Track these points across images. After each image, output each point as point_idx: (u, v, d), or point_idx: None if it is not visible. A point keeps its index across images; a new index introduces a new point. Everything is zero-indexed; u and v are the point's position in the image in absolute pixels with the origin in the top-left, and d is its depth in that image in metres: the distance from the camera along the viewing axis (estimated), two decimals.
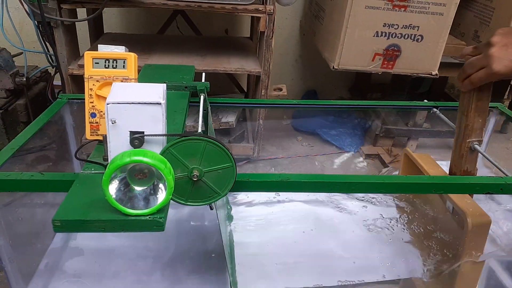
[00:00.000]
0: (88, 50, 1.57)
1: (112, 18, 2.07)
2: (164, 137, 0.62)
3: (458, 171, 0.86)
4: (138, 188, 0.54)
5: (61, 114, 1.05)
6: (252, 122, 1.74)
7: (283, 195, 1.16)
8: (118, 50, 0.74)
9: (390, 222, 1.14)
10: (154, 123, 0.60)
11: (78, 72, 1.39)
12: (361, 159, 1.78)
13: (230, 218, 1.10)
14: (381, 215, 1.16)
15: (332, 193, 1.21)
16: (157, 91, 0.63)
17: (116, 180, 0.53)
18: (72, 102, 1.06)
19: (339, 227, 1.12)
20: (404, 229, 1.11)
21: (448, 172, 0.92)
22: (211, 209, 1.10)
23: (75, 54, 1.50)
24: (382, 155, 1.75)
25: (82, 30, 1.77)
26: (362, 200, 1.21)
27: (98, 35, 1.80)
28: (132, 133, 0.60)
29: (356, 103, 1.11)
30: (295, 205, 1.15)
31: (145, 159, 0.51)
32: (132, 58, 0.72)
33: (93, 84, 0.71)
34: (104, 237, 1.05)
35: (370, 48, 1.46)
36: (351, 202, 1.19)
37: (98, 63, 0.71)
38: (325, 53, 1.63)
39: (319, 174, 0.69)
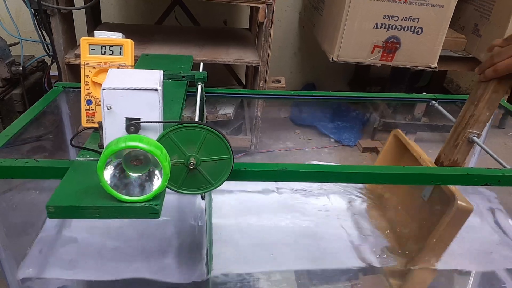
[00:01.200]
0: None
1: (110, 7, 2.05)
2: (161, 124, 0.61)
3: (447, 159, 0.85)
4: (133, 175, 0.54)
5: (57, 103, 1.04)
6: (250, 115, 1.73)
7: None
8: (114, 37, 0.73)
9: (357, 212, 1.15)
10: (151, 109, 0.59)
11: (75, 61, 1.37)
12: (358, 152, 1.78)
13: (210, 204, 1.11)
14: (350, 204, 1.17)
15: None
16: (153, 77, 0.62)
17: (111, 166, 0.52)
18: (69, 91, 1.05)
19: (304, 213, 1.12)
20: (370, 220, 1.12)
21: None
22: (202, 198, 1.10)
23: (72, 43, 1.48)
24: (379, 148, 1.75)
25: (80, 19, 1.76)
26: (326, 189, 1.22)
27: (95, 25, 1.78)
28: (128, 119, 0.59)
29: (355, 95, 1.10)
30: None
31: (141, 145, 0.50)
32: (128, 44, 0.72)
33: (89, 71, 0.71)
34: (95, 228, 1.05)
35: (370, 40, 1.45)
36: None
37: (94, 49, 0.70)
38: (324, 45, 1.62)
39: (317, 164, 0.68)
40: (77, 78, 1.55)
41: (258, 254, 1.00)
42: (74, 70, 1.47)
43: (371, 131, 1.88)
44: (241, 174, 0.66)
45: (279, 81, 1.50)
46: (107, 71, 0.71)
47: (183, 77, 0.97)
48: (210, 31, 1.81)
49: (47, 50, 1.53)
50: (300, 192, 1.20)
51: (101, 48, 0.71)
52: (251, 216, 1.10)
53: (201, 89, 0.93)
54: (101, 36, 0.72)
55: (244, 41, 1.67)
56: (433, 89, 2.17)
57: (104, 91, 0.56)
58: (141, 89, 0.57)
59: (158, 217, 0.55)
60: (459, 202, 0.79)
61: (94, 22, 1.79)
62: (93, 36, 0.71)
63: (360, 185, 1.25)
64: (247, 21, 2.00)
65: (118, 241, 1.00)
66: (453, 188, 0.84)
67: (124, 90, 0.57)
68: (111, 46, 0.71)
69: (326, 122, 1.89)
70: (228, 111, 1.65)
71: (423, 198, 0.96)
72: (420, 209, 0.99)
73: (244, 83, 2.12)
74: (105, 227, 1.03)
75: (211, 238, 1.02)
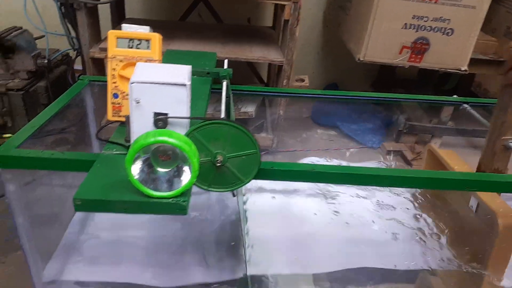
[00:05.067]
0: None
1: (133, 3, 2.06)
2: (188, 120, 0.60)
3: (487, 169, 0.83)
4: (161, 170, 0.53)
5: (82, 96, 1.05)
6: (272, 113, 1.71)
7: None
8: (142, 30, 0.72)
9: (405, 220, 1.12)
10: (179, 105, 0.58)
11: (100, 55, 1.38)
12: (382, 155, 1.74)
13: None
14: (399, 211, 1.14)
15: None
16: (182, 72, 0.61)
17: (140, 161, 0.51)
18: (93, 84, 1.05)
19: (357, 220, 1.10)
20: (416, 228, 1.09)
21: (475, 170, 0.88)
22: (234, 195, 1.09)
23: (97, 38, 1.49)
24: (405, 151, 1.71)
25: (104, 14, 1.76)
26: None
27: (120, 20, 1.79)
28: (156, 114, 0.58)
29: (386, 96, 1.08)
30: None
31: (170, 140, 0.49)
32: (156, 38, 0.71)
33: (116, 64, 0.70)
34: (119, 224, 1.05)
35: (398, 41, 1.41)
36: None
37: (122, 42, 0.70)
38: (350, 45, 1.59)
39: (345, 165, 0.66)
40: (101, 72, 1.56)
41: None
42: (98, 64, 1.47)
43: (395, 133, 1.83)
44: (268, 173, 0.65)
45: (302, 80, 1.47)
46: (135, 65, 0.71)
47: (208, 73, 0.96)
48: (234, 28, 1.80)
49: (72, 44, 1.54)
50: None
51: (129, 42, 0.70)
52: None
53: (227, 86, 0.92)
54: (129, 29, 0.72)
55: (268, 39, 1.65)
56: (460, 92, 2.09)
57: (132, 85, 0.56)
58: (170, 83, 0.56)
59: (186, 214, 0.54)
60: (499, 220, 0.76)
61: (119, 17, 1.80)
62: (119, 29, 0.71)
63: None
64: (271, 19, 1.98)
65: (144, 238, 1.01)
66: (494, 201, 0.80)
67: (153, 84, 0.56)
68: (139, 39, 0.70)
69: (349, 123, 1.85)
70: (250, 109, 1.63)
71: (471, 209, 0.92)
72: (467, 219, 0.95)
73: (266, 82, 2.10)
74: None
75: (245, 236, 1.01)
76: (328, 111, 1.94)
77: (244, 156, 0.60)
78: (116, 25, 1.73)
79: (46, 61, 1.66)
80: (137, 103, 0.57)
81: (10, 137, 1.75)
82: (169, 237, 1.01)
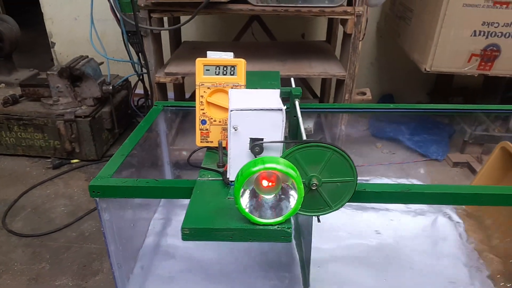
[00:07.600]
0: (170, 59, 1.61)
1: (188, 26, 2.11)
2: (281, 144, 0.60)
3: None
4: (265, 197, 0.53)
5: (157, 121, 1.08)
6: (329, 128, 1.70)
7: None
8: (226, 57, 0.73)
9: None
10: (274, 129, 0.59)
11: (164, 80, 1.42)
12: (448, 167, 1.67)
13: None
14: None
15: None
16: (275, 97, 0.62)
17: (248, 191, 0.51)
18: (166, 110, 1.08)
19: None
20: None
21: None
22: (319, 221, 1.08)
23: (161, 63, 1.54)
24: (472, 163, 1.63)
25: (163, 39, 1.82)
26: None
27: (177, 44, 1.84)
28: (252, 140, 0.58)
29: (458, 107, 1.04)
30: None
31: (279, 167, 0.49)
32: (242, 64, 0.72)
33: (204, 91, 0.71)
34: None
35: (467, 49, 1.36)
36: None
37: (209, 70, 0.71)
38: (414, 55, 1.54)
39: (445, 184, 0.64)
40: (165, 97, 1.61)
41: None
42: (162, 88, 1.52)
43: (459, 144, 1.76)
44: (360, 195, 0.63)
45: (364, 93, 1.45)
46: (221, 92, 0.72)
47: None
48: (289, 45, 1.80)
49: (137, 69, 1.60)
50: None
51: (216, 69, 0.71)
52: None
53: (298, 105, 0.92)
54: (213, 56, 0.73)
55: (325, 54, 1.64)
56: None
57: (232, 112, 0.56)
58: (267, 109, 0.57)
59: (290, 241, 0.53)
60: None
61: (176, 41, 1.85)
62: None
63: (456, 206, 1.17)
64: (324, 33, 1.98)
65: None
66: None
67: (251, 111, 0.57)
68: (225, 66, 0.71)
69: (410, 134, 1.80)
70: (308, 124, 1.62)
71: None
72: None
73: (319, 96, 2.09)
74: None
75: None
76: (387, 123, 1.90)
77: (339, 183, 0.58)
78: (175, 48, 1.79)
79: (111, 87, 1.72)
80: (235, 129, 0.57)
81: (78, 162, 1.82)
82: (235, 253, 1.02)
